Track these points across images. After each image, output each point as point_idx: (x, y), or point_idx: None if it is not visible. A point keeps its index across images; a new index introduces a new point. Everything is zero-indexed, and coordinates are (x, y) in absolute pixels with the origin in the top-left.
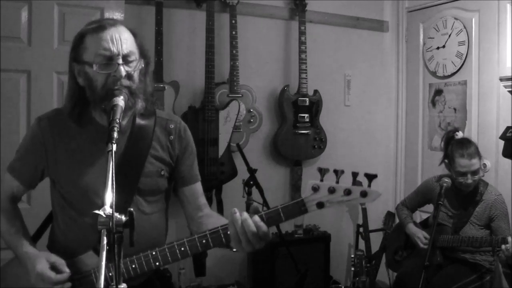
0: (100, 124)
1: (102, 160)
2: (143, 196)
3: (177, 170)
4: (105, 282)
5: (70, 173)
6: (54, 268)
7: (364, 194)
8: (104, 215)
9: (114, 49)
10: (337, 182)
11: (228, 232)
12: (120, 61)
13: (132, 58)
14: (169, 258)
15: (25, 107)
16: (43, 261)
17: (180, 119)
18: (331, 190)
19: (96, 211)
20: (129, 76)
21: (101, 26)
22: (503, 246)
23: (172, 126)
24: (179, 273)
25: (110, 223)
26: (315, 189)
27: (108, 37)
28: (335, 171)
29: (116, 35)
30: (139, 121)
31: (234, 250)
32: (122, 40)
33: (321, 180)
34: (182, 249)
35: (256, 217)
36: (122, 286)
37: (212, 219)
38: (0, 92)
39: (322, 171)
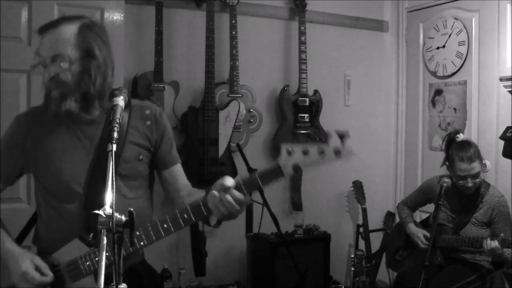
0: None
1: (80, 149)
2: (124, 180)
3: (157, 155)
4: (94, 268)
5: (49, 163)
6: (37, 270)
7: (337, 152)
8: (104, 215)
9: None
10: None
11: (209, 205)
12: None
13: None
14: (153, 236)
15: (25, 107)
16: (28, 260)
17: (155, 105)
18: (305, 152)
19: (96, 211)
20: None
21: None
22: (486, 242)
23: (148, 112)
24: (179, 273)
25: (110, 223)
26: (289, 152)
27: None
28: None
29: None
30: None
31: (212, 226)
32: None
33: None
34: (165, 226)
35: (235, 192)
36: (122, 286)
37: (193, 196)
38: (0, 92)
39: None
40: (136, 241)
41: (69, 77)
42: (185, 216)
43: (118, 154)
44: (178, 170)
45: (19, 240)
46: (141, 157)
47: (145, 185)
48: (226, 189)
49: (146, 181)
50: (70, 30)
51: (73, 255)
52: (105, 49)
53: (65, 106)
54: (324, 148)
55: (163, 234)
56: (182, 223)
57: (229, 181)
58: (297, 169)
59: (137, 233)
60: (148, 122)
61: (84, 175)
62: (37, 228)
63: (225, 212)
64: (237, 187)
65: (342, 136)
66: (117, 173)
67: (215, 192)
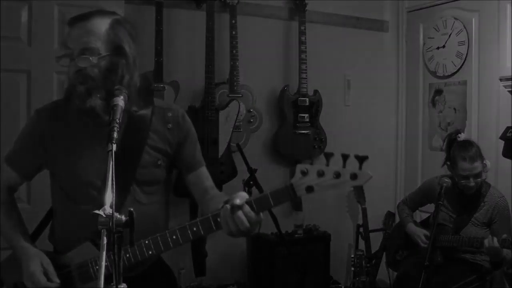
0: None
1: (99, 151)
2: (140, 186)
3: (180, 158)
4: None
5: (68, 163)
6: (45, 274)
7: (354, 176)
8: (104, 215)
9: None
10: (344, 166)
11: (219, 219)
12: None
13: None
14: (161, 247)
15: (25, 107)
16: (37, 262)
17: (178, 107)
18: (320, 173)
19: (96, 211)
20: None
21: None
22: (485, 241)
23: (170, 115)
24: (179, 273)
25: (110, 223)
26: (304, 172)
27: None
28: (343, 155)
29: None
30: (135, 111)
31: None
32: None
33: (327, 165)
34: (174, 237)
35: (247, 208)
36: (122, 286)
37: (214, 201)
38: (0, 92)
39: (328, 156)
40: (145, 250)
41: (96, 72)
42: (194, 229)
43: (136, 158)
44: (203, 173)
45: (33, 237)
46: (159, 162)
47: (162, 190)
48: (238, 206)
49: (162, 186)
50: (101, 24)
51: (84, 258)
52: (134, 48)
53: (90, 103)
54: (340, 170)
55: (171, 245)
56: (191, 235)
57: (241, 196)
58: (310, 191)
59: (146, 241)
60: (170, 125)
61: (101, 179)
62: (53, 226)
63: (233, 228)
64: (248, 204)
65: (361, 160)
66: (134, 178)
67: (227, 206)
